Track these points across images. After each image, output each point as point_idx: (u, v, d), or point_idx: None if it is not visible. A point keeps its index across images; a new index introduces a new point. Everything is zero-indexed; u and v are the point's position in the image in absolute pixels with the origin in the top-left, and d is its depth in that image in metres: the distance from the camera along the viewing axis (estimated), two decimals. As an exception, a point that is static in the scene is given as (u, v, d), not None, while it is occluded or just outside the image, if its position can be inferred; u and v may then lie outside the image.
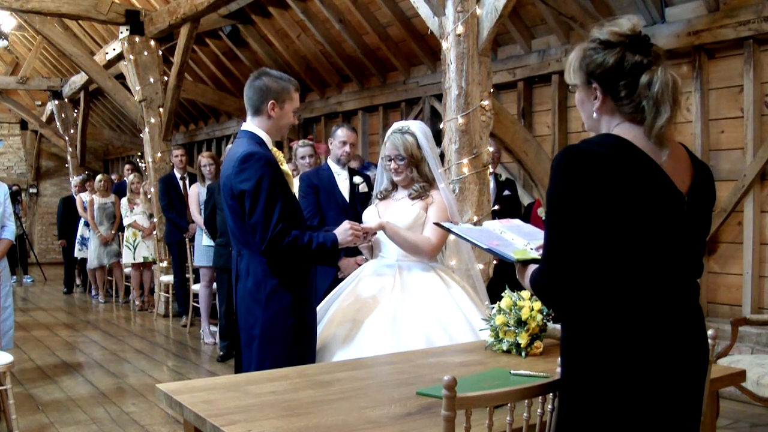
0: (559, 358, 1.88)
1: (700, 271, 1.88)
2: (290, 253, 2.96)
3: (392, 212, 3.39)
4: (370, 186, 5.09)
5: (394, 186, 3.49)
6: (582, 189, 1.71)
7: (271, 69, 3.24)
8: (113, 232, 10.29)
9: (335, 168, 4.97)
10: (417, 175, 3.40)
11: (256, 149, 2.99)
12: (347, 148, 4.85)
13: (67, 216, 11.37)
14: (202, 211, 7.08)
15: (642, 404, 1.74)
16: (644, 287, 1.75)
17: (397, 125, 3.47)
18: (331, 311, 3.37)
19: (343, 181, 5.02)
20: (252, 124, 3.12)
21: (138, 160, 12.75)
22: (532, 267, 1.93)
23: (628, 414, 1.73)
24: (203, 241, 7.36)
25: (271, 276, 3.01)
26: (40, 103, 15.85)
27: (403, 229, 3.30)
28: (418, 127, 3.44)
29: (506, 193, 5.98)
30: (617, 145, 1.76)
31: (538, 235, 2.15)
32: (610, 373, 1.74)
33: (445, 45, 4.71)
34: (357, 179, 5.11)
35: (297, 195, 3.87)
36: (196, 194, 7.58)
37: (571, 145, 1.80)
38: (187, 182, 8.30)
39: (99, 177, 10.69)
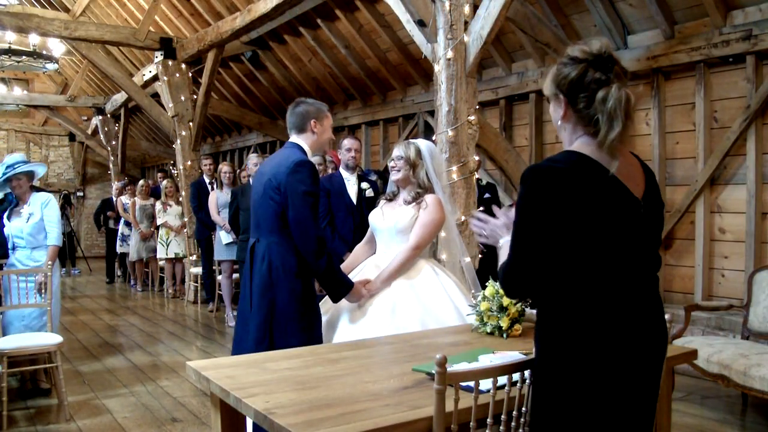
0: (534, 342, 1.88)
1: (659, 265, 1.86)
2: (319, 255, 2.98)
3: (393, 216, 3.38)
4: (376, 191, 5.10)
5: (398, 190, 3.49)
6: (542, 200, 1.70)
7: (306, 98, 3.34)
8: (152, 229, 10.29)
9: (346, 174, 5.01)
10: (413, 177, 3.37)
11: (307, 158, 3.07)
12: (353, 154, 5.11)
13: (101, 212, 11.78)
14: (228, 212, 7.06)
15: (607, 382, 1.73)
16: (608, 282, 1.74)
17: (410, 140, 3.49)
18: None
19: (351, 186, 5.05)
20: (297, 139, 3.17)
21: (171, 167, 12.74)
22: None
23: (594, 392, 1.73)
24: (223, 239, 7.43)
25: (286, 263, 3.00)
26: (86, 118, 15.83)
27: (388, 269, 3.23)
28: (425, 143, 3.45)
29: (486, 196, 5.97)
30: (575, 161, 1.74)
31: None
32: (578, 355, 1.73)
33: (437, 68, 4.70)
34: (364, 185, 5.14)
35: None
36: (215, 198, 7.66)
37: (534, 164, 1.80)
38: (215, 186, 8.31)
39: (141, 182, 10.71)
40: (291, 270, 3.01)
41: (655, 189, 1.87)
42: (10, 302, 4.49)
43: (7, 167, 4.71)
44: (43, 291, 4.52)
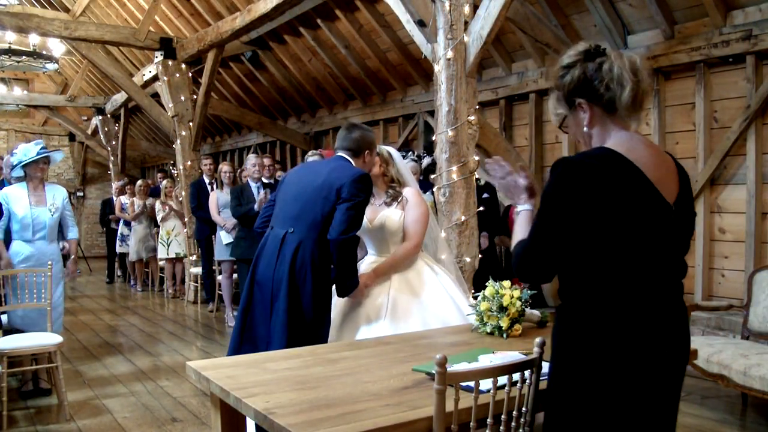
0: (549, 349, 1.84)
1: (684, 272, 1.81)
2: (348, 253, 3.07)
3: (379, 218, 3.40)
4: None
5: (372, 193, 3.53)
6: (569, 192, 1.68)
7: (359, 123, 3.50)
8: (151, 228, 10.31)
9: None
10: (386, 171, 3.47)
11: (368, 174, 3.20)
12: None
13: (105, 213, 11.75)
14: (233, 210, 7.02)
15: (625, 387, 1.69)
16: (631, 285, 1.70)
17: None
18: (337, 299, 3.35)
19: None
20: (348, 158, 3.24)
21: (171, 167, 12.74)
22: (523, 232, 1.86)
23: (612, 397, 1.69)
24: (223, 239, 7.44)
25: (317, 260, 3.03)
26: (86, 118, 15.83)
27: (385, 263, 3.32)
28: (391, 148, 3.63)
29: (485, 195, 5.97)
30: (608, 158, 1.71)
31: None
32: (597, 359, 1.70)
33: (437, 68, 4.70)
34: None
35: None
36: (215, 198, 7.64)
37: (567, 156, 1.78)
38: (215, 186, 8.31)
39: (139, 182, 10.72)
40: (319, 267, 3.05)
41: (689, 193, 1.83)
42: (18, 300, 4.50)
43: (42, 148, 4.75)
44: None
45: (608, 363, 1.69)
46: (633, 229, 1.68)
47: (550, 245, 1.71)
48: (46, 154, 4.75)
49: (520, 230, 1.87)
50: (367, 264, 3.41)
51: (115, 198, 11.29)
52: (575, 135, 1.88)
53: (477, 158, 4.75)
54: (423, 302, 3.19)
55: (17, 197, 4.68)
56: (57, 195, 4.85)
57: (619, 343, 1.69)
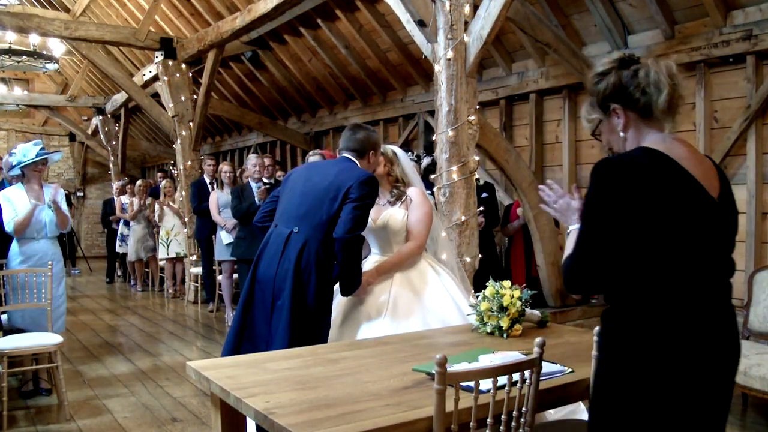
0: (594, 351, 1.81)
1: (733, 270, 1.78)
2: (353, 252, 3.08)
3: (382, 217, 3.40)
4: None
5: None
6: (614, 193, 1.66)
7: (363, 124, 3.50)
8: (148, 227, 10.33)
9: None
10: (391, 171, 3.47)
11: (375, 176, 3.20)
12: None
13: (106, 212, 11.73)
14: (234, 210, 7.02)
15: (675, 394, 1.65)
16: (680, 286, 1.67)
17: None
18: (338, 297, 3.36)
19: None
20: (353, 159, 3.25)
21: (171, 167, 12.75)
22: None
23: (661, 404, 1.65)
24: (224, 239, 7.45)
25: (321, 260, 3.03)
26: (86, 118, 15.83)
27: (388, 261, 3.33)
28: (398, 149, 3.62)
29: (484, 195, 5.96)
30: (650, 155, 1.71)
31: None
32: (646, 364, 1.66)
33: (437, 68, 4.70)
34: None
35: None
36: (215, 198, 7.64)
37: (608, 156, 1.76)
38: (215, 186, 8.31)
39: (138, 182, 10.72)
40: (324, 267, 3.05)
41: (730, 192, 1.81)
42: (19, 300, 4.50)
43: (41, 149, 4.75)
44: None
45: (658, 368, 1.65)
46: (680, 225, 1.66)
47: (600, 249, 1.68)
48: (45, 156, 4.75)
49: (570, 248, 1.84)
50: (370, 263, 3.41)
51: (116, 198, 11.29)
52: (608, 141, 1.89)
53: (477, 158, 4.75)
54: (424, 302, 3.19)
55: (17, 198, 4.68)
56: (58, 194, 4.83)
57: (669, 346, 1.65)
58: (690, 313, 1.66)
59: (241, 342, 3.07)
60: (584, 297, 1.98)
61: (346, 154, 3.26)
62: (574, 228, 1.94)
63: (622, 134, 1.83)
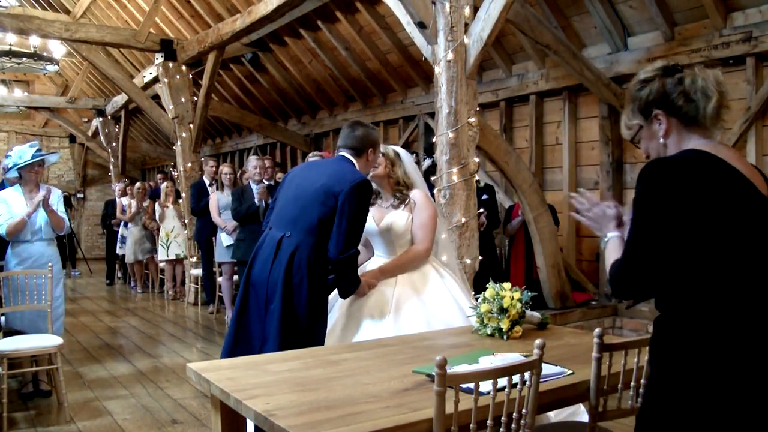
0: (646, 357, 1.77)
1: None
2: (348, 270, 3.06)
3: (386, 219, 3.38)
4: None
5: (379, 192, 3.50)
6: (663, 196, 1.64)
7: (362, 121, 3.40)
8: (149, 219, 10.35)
9: None
10: (392, 173, 3.42)
11: (368, 180, 3.12)
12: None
13: (107, 213, 11.69)
14: (234, 212, 7.03)
15: (735, 405, 1.58)
16: (736, 290, 1.61)
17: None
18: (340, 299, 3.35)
19: None
20: (350, 158, 3.19)
21: (171, 169, 12.76)
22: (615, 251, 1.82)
23: (720, 416, 1.58)
24: (224, 240, 7.45)
25: (314, 264, 3.00)
26: (86, 119, 15.84)
27: (392, 262, 3.31)
28: (401, 149, 3.58)
29: (484, 197, 5.96)
30: (698, 155, 1.70)
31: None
32: (700, 372, 1.61)
33: (437, 70, 4.70)
34: None
35: None
36: (215, 200, 7.64)
37: (656, 158, 1.75)
38: (216, 188, 8.31)
39: (138, 185, 10.74)
40: (316, 272, 3.01)
41: None
42: (19, 302, 4.50)
43: (37, 150, 4.73)
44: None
45: (715, 375, 1.59)
46: (734, 225, 1.63)
47: (652, 252, 1.64)
48: (41, 157, 4.75)
49: (612, 257, 1.82)
50: (374, 265, 3.40)
51: (117, 199, 11.29)
52: (647, 149, 1.87)
53: (477, 160, 4.75)
54: (426, 303, 3.19)
55: (14, 200, 4.69)
56: (52, 195, 4.80)
57: (730, 356, 1.59)
58: (747, 319, 1.60)
59: (237, 344, 3.06)
60: (635, 303, 1.93)
61: (343, 152, 3.21)
62: (612, 235, 1.89)
63: (662, 140, 1.81)
